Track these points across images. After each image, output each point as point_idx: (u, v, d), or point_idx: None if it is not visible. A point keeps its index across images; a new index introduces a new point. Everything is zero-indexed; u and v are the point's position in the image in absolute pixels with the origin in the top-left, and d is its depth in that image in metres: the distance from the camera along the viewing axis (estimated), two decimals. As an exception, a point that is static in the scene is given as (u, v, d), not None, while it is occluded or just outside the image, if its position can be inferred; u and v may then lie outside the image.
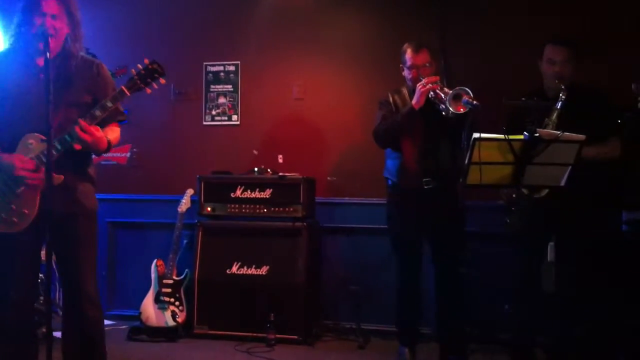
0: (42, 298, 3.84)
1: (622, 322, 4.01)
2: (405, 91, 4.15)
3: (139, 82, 3.07)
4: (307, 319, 4.76)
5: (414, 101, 3.89)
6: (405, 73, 4.13)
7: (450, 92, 3.70)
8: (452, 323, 4.11)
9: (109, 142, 3.16)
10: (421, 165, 4.02)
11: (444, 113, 3.82)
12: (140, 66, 3.10)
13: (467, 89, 3.66)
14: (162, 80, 3.13)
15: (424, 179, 4.00)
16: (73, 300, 3.20)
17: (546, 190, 3.58)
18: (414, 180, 4.03)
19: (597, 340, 4.07)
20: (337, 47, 5.26)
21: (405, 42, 4.14)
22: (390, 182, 4.20)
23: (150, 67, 3.09)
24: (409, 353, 4.17)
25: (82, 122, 2.99)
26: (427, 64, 4.05)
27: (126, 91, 3.06)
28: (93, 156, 3.31)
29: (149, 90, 3.11)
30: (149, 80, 3.09)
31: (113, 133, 3.24)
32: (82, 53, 3.26)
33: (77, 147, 3.01)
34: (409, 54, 4.07)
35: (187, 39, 5.54)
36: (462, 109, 3.65)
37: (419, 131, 4.01)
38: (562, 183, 3.31)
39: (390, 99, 4.15)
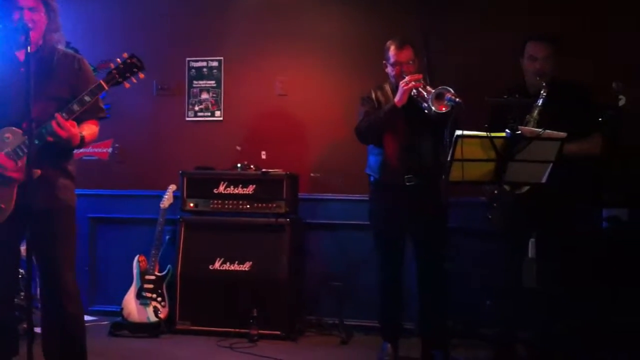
0: (22, 294, 3.83)
1: (602, 318, 4.06)
2: (388, 88, 4.16)
3: (117, 76, 3.07)
4: (290, 315, 4.76)
5: (396, 99, 3.90)
6: (389, 70, 4.14)
7: (433, 91, 3.72)
8: (435, 318, 4.14)
9: (82, 139, 3.13)
10: (403, 162, 4.04)
11: (426, 111, 3.84)
12: (119, 60, 3.09)
13: (449, 88, 3.68)
14: (141, 75, 3.13)
15: (406, 176, 4.01)
16: (52, 296, 3.19)
17: (527, 187, 3.61)
18: (396, 177, 4.04)
19: (578, 336, 4.11)
20: (320, 43, 5.26)
21: (389, 39, 4.15)
22: (372, 178, 4.21)
23: (129, 61, 3.09)
24: (392, 348, 4.19)
25: (59, 117, 2.97)
26: (411, 61, 4.06)
27: (104, 85, 3.05)
28: (74, 151, 3.29)
29: (127, 85, 3.11)
30: (127, 74, 3.09)
31: (89, 129, 3.21)
32: (63, 47, 3.23)
33: (50, 139, 3.00)
34: (392, 50, 4.08)
35: (170, 35, 5.51)
36: (444, 108, 3.67)
37: (401, 128, 4.03)
38: (544, 180, 3.34)
39: (373, 95, 4.15)
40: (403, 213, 4.07)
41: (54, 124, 2.96)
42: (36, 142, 2.97)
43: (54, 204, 3.13)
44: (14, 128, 3.02)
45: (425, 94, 3.80)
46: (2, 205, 3.03)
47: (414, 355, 4.26)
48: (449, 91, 3.66)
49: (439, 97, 3.70)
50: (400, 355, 4.22)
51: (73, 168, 3.28)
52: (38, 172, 2.99)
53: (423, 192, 4.01)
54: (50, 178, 3.11)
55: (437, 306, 4.11)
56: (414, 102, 3.91)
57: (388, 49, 4.11)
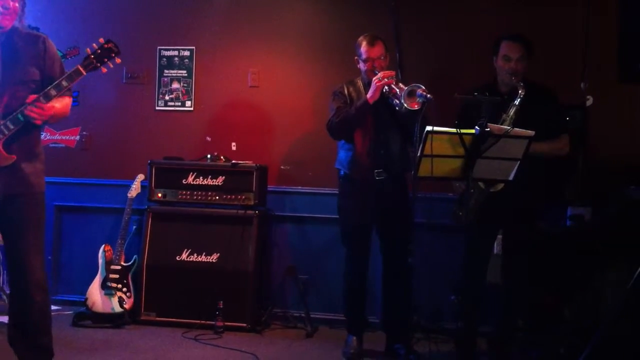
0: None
1: (564, 314, 4.13)
2: (359, 83, 4.18)
3: (95, 61, 3.07)
4: (255, 307, 4.77)
5: (368, 95, 3.91)
6: (360, 66, 4.16)
7: (405, 88, 3.74)
8: (399, 312, 4.18)
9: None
10: (372, 157, 4.07)
11: (397, 108, 3.86)
12: (95, 45, 3.11)
13: (420, 85, 3.70)
14: (118, 60, 3.16)
15: (376, 171, 4.04)
16: (19, 283, 3.16)
17: (502, 185, 3.64)
18: (365, 172, 4.07)
19: (540, 331, 4.18)
20: (293, 36, 5.25)
21: (361, 33, 4.17)
22: (342, 172, 4.22)
23: (105, 46, 3.10)
24: (356, 341, 4.21)
25: (38, 103, 2.98)
26: (382, 57, 4.08)
27: (82, 70, 3.05)
28: (42, 137, 3.26)
29: (104, 70, 3.13)
30: (105, 59, 3.10)
31: (62, 101, 3.20)
32: (25, 28, 3.20)
33: (38, 122, 3.03)
34: (364, 47, 4.10)
35: (141, 22, 5.44)
36: (416, 106, 3.70)
37: (371, 124, 4.06)
38: (511, 177, 3.40)
39: (345, 91, 4.17)
40: (371, 207, 4.11)
41: (34, 109, 2.96)
42: (10, 126, 2.94)
43: (21, 189, 3.11)
44: None
45: (397, 90, 3.82)
46: None
47: (378, 349, 4.30)
48: (421, 87, 3.69)
49: (411, 94, 3.72)
50: (365, 349, 4.25)
51: (41, 152, 3.25)
52: (13, 157, 2.97)
53: (391, 187, 4.07)
54: (17, 163, 3.08)
55: (401, 300, 4.15)
56: (383, 99, 3.94)
57: (360, 45, 4.12)
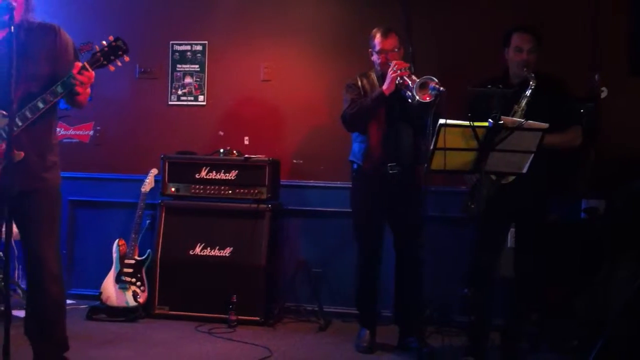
0: (0, 276, 3.80)
1: (577, 307, 4.11)
2: (373, 76, 4.18)
3: (101, 59, 3.03)
4: (268, 301, 4.78)
5: (384, 86, 3.92)
6: (374, 58, 4.16)
7: (418, 80, 3.74)
8: (411, 306, 4.18)
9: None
10: (385, 150, 4.06)
11: (409, 100, 3.87)
12: (104, 43, 3.06)
13: (433, 77, 3.71)
14: (126, 58, 3.10)
15: (389, 164, 4.04)
16: (36, 277, 3.17)
17: (513, 177, 3.63)
18: (378, 165, 4.07)
19: (552, 325, 4.16)
20: (305, 30, 5.24)
21: (374, 25, 4.17)
22: (355, 165, 4.22)
23: (113, 44, 3.05)
24: (369, 335, 4.21)
25: (78, 66, 2.97)
26: (395, 49, 4.08)
27: (88, 67, 3.01)
28: (58, 132, 3.27)
29: (112, 68, 3.08)
30: (112, 57, 3.05)
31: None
32: (36, 20, 3.19)
33: (80, 89, 3.01)
34: (377, 38, 4.10)
35: (154, 17, 5.46)
36: (428, 98, 3.71)
37: (384, 116, 4.05)
38: (524, 170, 3.38)
39: (359, 83, 4.16)
40: (384, 200, 4.11)
41: (84, 72, 2.96)
42: (41, 105, 2.97)
43: (36, 184, 3.11)
44: None
45: (410, 82, 3.82)
46: None
47: (391, 342, 4.29)
48: (433, 80, 3.69)
49: (422, 86, 3.74)
50: (378, 342, 4.24)
51: (57, 147, 3.26)
52: (21, 154, 2.97)
53: (403, 180, 4.06)
54: (33, 158, 3.08)
55: (413, 294, 4.15)
56: (397, 91, 3.94)
57: (373, 37, 4.12)
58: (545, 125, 3.27)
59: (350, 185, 4.35)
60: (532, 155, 3.32)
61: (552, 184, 3.90)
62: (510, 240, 4.10)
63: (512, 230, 4.04)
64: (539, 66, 3.83)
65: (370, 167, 4.12)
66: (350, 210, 4.32)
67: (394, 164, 4.04)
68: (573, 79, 4.20)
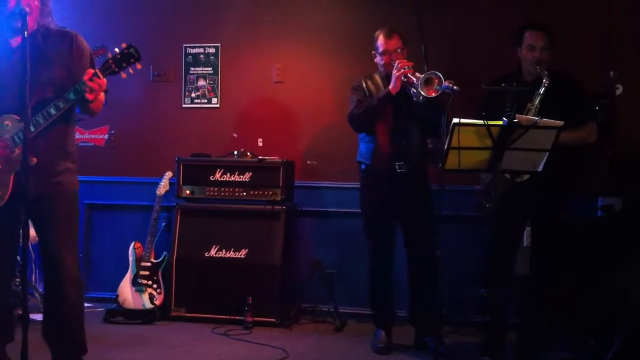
0: (18, 280, 3.83)
1: (593, 306, 4.08)
2: (377, 77, 4.19)
3: (113, 66, 3.03)
4: (284, 302, 4.78)
5: (390, 86, 3.93)
6: (378, 59, 4.17)
7: (422, 76, 3.75)
8: (426, 305, 4.17)
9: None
10: (393, 149, 4.08)
11: (414, 98, 3.89)
12: (117, 50, 3.05)
13: (438, 72, 3.73)
14: (138, 66, 3.09)
15: (397, 163, 4.05)
16: (53, 281, 3.19)
17: (527, 175, 3.61)
18: (386, 164, 4.09)
19: (568, 323, 4.14)
20: (317, 30, 5.25)
21: (385, 26, 4.17)
22: (363, 165, 4.23)
23: (126, 51, 3.04)
24: (385, 335, 4.20)
25: (89, 73, 2.96)
26: (399, 49, 4.09)
27: (100, 75, 2.99)
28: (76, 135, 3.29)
29: (123, 75, 3.07)
30: (124, 64, 3.05)
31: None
32: (55, 25, 3.20)
33: (90, 96, 2.99)
34: (380, 40, 4.11)
35: (167, 21, 5.49)
36: (433, 93, 3.74)
37: (391, 115, 4.07)
38: (540, 169, 3.36)
39: (364, 84, 4.17)
40: (393, 199, 4.12)
41: (95, 79, 2.95)
42: (53, 112, 2.98)
43: (54, 189, 3.12)
44: (13, 115, 3.01)
45: (414, 79, 3.83)
46: None
47: (408, 342, 4.28)
48: (438, 76, 3.72)
49: (427, 82, 3.77)
50: (394, 342, 4.24)
51: (75, 151, 3.27)
52: (34, 160, 2.98)
53: (412, 179, 4.08)
54: (50, 162, 3.10)
55: (427, 293, 4.14)
56: (402, 90, 3.95)
57: (376, 38, 4.14)
58: (560, 123, 3.25)
59: (358, 185, 4.35)
60: (548, 153, 3.30)
61: (567, 181, 3.88)
62: (526, 239, 4.08)
63: (528, 229, 4.02)
64: (553, 63, 3.81)
65: (378, 166, 4.13)
66: (360, 210, 4.32)
67: (402, 163, 4.05)
68: (588, 76, 4.16)
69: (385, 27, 4.15)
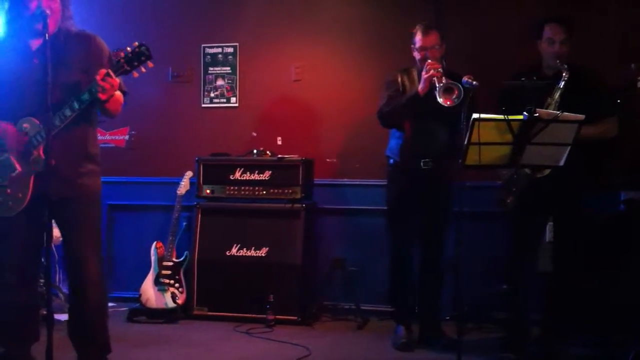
0: (42, 281, 3.87)
1: (616, 301, 4.05)
2: (414, 72, 4.19)
3: (125, 65, 3.00)
4: (305, 300, 4.79)
5: (419, 87, 3.94)
6: (415, 54, 4.17)
7: (442, 84, 3.78)
8: (430, 301, 4.24)
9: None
10: (420, 146, 4.08)
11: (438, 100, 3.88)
12: (128, 49, 3.02)
13: (459, 84, 3.73)
14: (150, 64, 3.05)
15: (422, 160, 4.05)
16: (77, 281, 3.22)
17: (548, 170, 3.59)
18: (412, 160, 4.09)
19: (594, 319, 4.10)
20: (335, 28, 5.24)
21: (404, 22, 4.18)
22: (392, 161, 4.24)
23: (137, 50, 3.01)
24: (405, 331, 4.20)
25: (102, 73, 2.95)
26: (436, 46, 4.08)
27: (112, 74, 2.98)
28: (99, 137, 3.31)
29: (135, 74, 3.04)
30: (135, 63, 3.00)
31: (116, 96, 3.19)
32: (75, 28, 3.21)
33: (103, 96, 2.98)
34: (418, 35, 4.12)
35: (185, 21, 5.51)
36: (449, 102, 3.77)
37: (420, 113, 4.06)
38: (561, 163, 3.32)
39: (399, 79, 4.17)
40: (415, 195, 4.13)
41: (107, 78, 2.94)
42: (67, 113, 2.98)
43: (75, 191, 3.14)
44: (32, 118, 3.03)
45: (437, 85, 3.84)
46: (20, 195, 3.06)
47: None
48: (459, 87, 3.73)
49: (447, 91, 3.80)
50: (415, 339, 4.23)
51: (97, 152, 3.28)
52: (52, 162, 2.99)
53: (435, 176, 4.08)
54: (68, 165, 3.12)
55: (434, 289, 4.23)
56: (431, 88, 3.94)
57: (415, 34, 4.15)
58: (581, 116, 3.22)
59: (386, 181, 4.35)
60: (569, 147, 3.27)
61: (589, 176, 3.84)
62: (548, 235, 4.05)
63: (550, 224, 3.99)
64: (573, 57, 3.78)
65: (405, 162, 4.14)
66: (385, 206, 4.33)
67: (427, 160, 4.05)
68: (608, 69, 4.13)
69: (424, 22, 4.14)
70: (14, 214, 3.08)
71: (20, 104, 3.06)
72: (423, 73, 3.91)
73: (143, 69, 3.05)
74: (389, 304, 4.42)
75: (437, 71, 3.87)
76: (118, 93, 3.16)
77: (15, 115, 3.07)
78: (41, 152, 2.99)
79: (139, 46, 3.02)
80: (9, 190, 3.07)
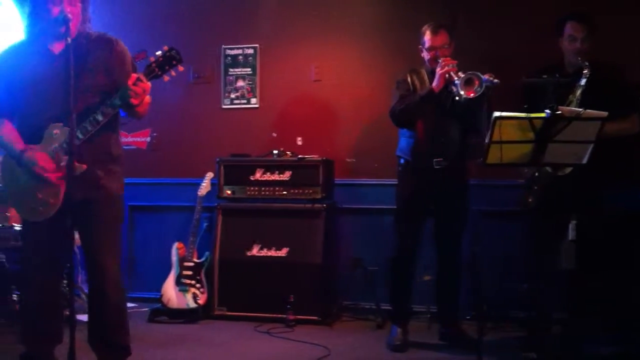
0: (65, 281, 3.90)
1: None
2: (423, 72, 4.17)
3: (156, 69, 3.02)
4: (325, 300, 4.79)
5: (434, 84, 3.92)
6: (424, 54, 4.16)
7: (463, 76, 3.74)
8: (450, 298, 4.24)
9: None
10: (433, 145, 4.07)
11: (456, 97, 3.87)
12: (158, 53, 3.05)
13: (479, 74, 3.71)
14: (180, 68, 3.08)
15: (435, 159, 4.04)
16: (96, 282, 3.22)
17: (570, 168, 3.55)
18: (425, 160, 4.08)
19: (616, 318, 4.05)
20: (355, 28, 5.24)
21: (423, 22, 4.16)
22: (402, 160, 4.24)
23: (168, 54, 3.03)
24: (401, 333, 4.19)
25: (133, 77, 2.98)
26: (446, 45, 4.06)
27: (143, 79, 3.00)
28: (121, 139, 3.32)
29: (166, 78, 3.07)
30: (166, 67, 3.04)
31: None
32: (94, 31, 3.22)
33: (135, 101, 3.00)
34: (427, 35, 4.10)
35: (205, 23, 5.54)
36: (472, 94, 3.73)
37: (433, 111, 4.05)
38: (585, 161, 3.28)
39: (409, 79, 4.16)
40: (428, 195, 4.13)
41: (139, 83, 2.96)
42: (89, 128, 3.00)
43: (98, 193, 3.15)
44: (61, 124, 3.04)
45: (455, 78, 3.81)
46: (51, 200, 3.07)
47: (424, 339, 4.30)
48: (479, 77, 3.70)
49: (468, 82, 3.76)
50: (411, 340, 4.22)
51: (121, 154, 3.30)
52: (83, 166, 3.01)
53: (449, 175, 4.07)
54: (95, 168, 3.13)
55: (453, 286, 4.23)
56: (445, 86, 3.94)
57: (423, 33, 4.13)
58: (604, 113, 3.18)
59: (397, 181, 4.34)
60: (592, 145, 3.23)
61: (611, 173, 3.80)
62: (570, 233, 4.01)
63: (573, 222, 3.94)
64: (595, 53, 3.73)
65: (417, 161, 4.13)
66: (395, 204, 4.32)
67: (440, 159, 4.03)
68: (631, 66, 4.07)
69: (432, 22, 4.13)
70: (43, 219, 3.10)
71: (45, 108, 3.07)
72: (438, 69, 3.89)
73: (173, 73, 3.07)
74: (388, 303, 4.43)
75: (453, 66, 3.85)
76: (147, 96, 3.17)
77: (40, 119, 3.09)
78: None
79: (170, 50, 3.04)
80: (40, 196, 3.09)
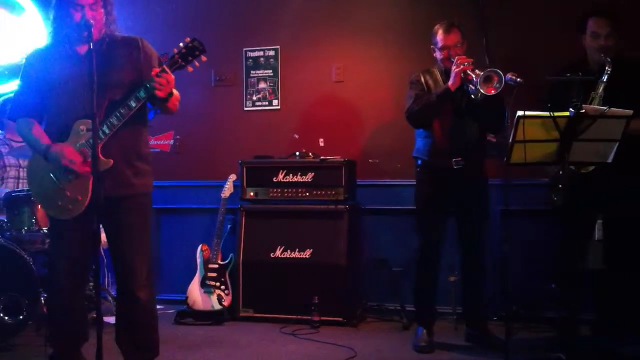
0: (91, 284, 3.94)
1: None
2: (436, 72, 4.15)
3: (180, 60, 3.05)
4: (350, 301, 4.78)
5: (450, 82, 3.89)
6: (437, 54, 4.13)
7: (481, 73, 3.70)
8: (475, 300, 4.21)
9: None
10: (451, 145, 4.04)
11: (472, 95, 3.85)
12: (181, 45, 3.07)
13: (498, 70, 3.68)
14: (203, 58, 3.09)
15: (454, 159, 4.01)
16: (125, 284, 3.24)
17: (593, 166, 3.52)
18: (443, 160, 4.05)
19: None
20: (376, 29, 5.23)
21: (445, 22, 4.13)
22: (420, 161, 4.21)
23: (190, 45, 3.06)
24: (427, 334, 4.16)
25: (156, 69, 3.01)
26: (458, 44, 4.04)
27: (167, 70, 3.03)
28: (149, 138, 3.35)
29: (190, 69, 3.08)
30: (190, 57, 3.06)
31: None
32: (119, 33, 3.25)
33: (160, 93, 3.02)
34: (439, 35, 4.07)
35: (227, 25, 5.57)
36: (492, 91, 3.69)
37: (449, 111, 4.03)
38: (610, 159, 3.25)
39: (422, 79, 4.14)
40: (448, 195, 4.10)
41: (154, 75, 2.99)
42: (115, 122, 3.03)
43: (126, 191, 3.17)
44: (87, 120, 3.05)
45: (473, 76, 3.78)
46: (79, 197, 3.09)
47: (450, 340, 4.27)
48: (498, 74, 3.66)
49: (487, 79, 3.72)
50: (437, 341, 4.19)
51: (148, 152, 3.31)
52: (110, 162, 3.04)
53: (469, 175, 4.03)
54: (123, 165, 3.15)
55: (478, 287, 4.20)
56: (461, 85, 3.91)
57: (435, 33, 4.10)
58: (629, 112, 3.15)
59: (415, 182, 4.32)
60: (617, 143, 3.19)
61: (637, 171, 3.74)
62: (597, 232, 3.97)
63: (600, 221, 3.90)
64: (620, 48, 3.69)
65: (435, 162, 4.10)
66: (414, 206, 4.31)
67: (459, 159, 4.00)
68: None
69: (444, 21, 4.10)
70: (71, 217, 3.12)
71: (73, 107, 3.11)
72: (453, 67, 3.86)
73: (197, 63, 3.09)
74: (412, 304, 4.42)
75: (468, 64, 3.83)
76: (175, 91, 3.20)
77: (68, 118, 3.12)
78: (99, 153, 3.01)
79: (192, 41, 3.07)
80: (68, 193, 3.11)
